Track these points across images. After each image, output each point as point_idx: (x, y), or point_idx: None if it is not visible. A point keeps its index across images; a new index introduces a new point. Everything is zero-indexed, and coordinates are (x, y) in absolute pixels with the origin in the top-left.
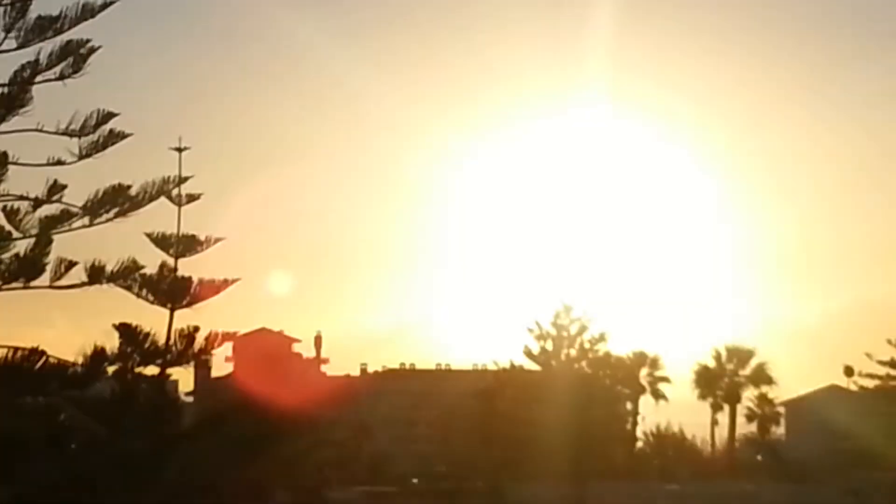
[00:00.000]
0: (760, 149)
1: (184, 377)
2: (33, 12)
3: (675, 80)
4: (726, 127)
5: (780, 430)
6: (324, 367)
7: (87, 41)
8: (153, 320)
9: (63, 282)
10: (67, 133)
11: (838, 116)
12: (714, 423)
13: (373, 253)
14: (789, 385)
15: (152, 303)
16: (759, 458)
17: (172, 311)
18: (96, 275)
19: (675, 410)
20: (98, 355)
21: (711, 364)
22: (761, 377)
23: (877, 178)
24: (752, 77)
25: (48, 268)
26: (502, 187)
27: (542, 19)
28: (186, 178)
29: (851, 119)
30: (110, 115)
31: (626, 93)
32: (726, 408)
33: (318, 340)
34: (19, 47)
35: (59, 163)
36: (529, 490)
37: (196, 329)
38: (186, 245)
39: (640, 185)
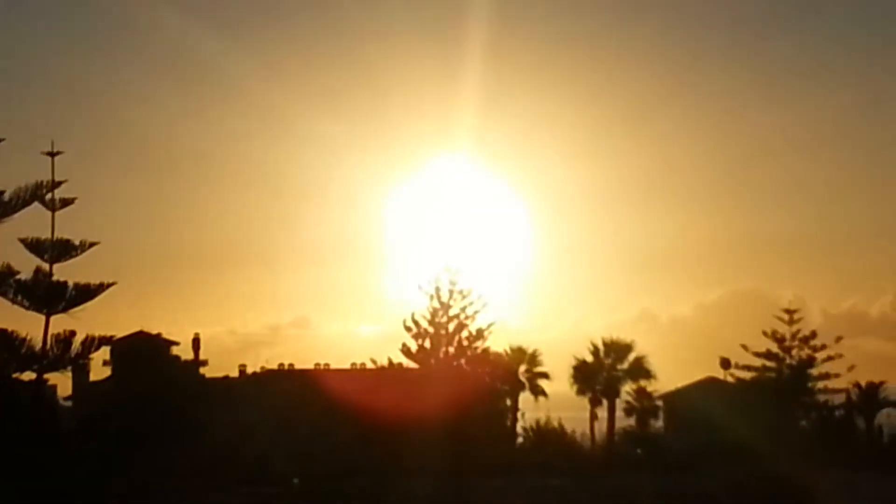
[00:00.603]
0: (636, 149)
1: (62, 382)
2: None
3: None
4: (607, 127)
5: (658, 423)
6: (202, 369)
7: None
8: (29, 326)
9: None
10: None
11: (708, 118)
12: (593, 417)
13: (250, 253)
14: (667, 378)
15: (28, 308)
16: (638, 451)
17: (48, 316)
18: None
19: (555, 405)
20: None
21: (589, 358)
22: (639, 371)
23: (748, 176)
24: (627, 77)
25: None
26: (378, 185)
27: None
28: (60, 183)
29: (721, 120)
30: None
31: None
32: (605, 402)
33: (196, 342)
34: None
35: None
36: (410, 487)
37: (72, 333)
38: (61, 250)
39: (518, 179)
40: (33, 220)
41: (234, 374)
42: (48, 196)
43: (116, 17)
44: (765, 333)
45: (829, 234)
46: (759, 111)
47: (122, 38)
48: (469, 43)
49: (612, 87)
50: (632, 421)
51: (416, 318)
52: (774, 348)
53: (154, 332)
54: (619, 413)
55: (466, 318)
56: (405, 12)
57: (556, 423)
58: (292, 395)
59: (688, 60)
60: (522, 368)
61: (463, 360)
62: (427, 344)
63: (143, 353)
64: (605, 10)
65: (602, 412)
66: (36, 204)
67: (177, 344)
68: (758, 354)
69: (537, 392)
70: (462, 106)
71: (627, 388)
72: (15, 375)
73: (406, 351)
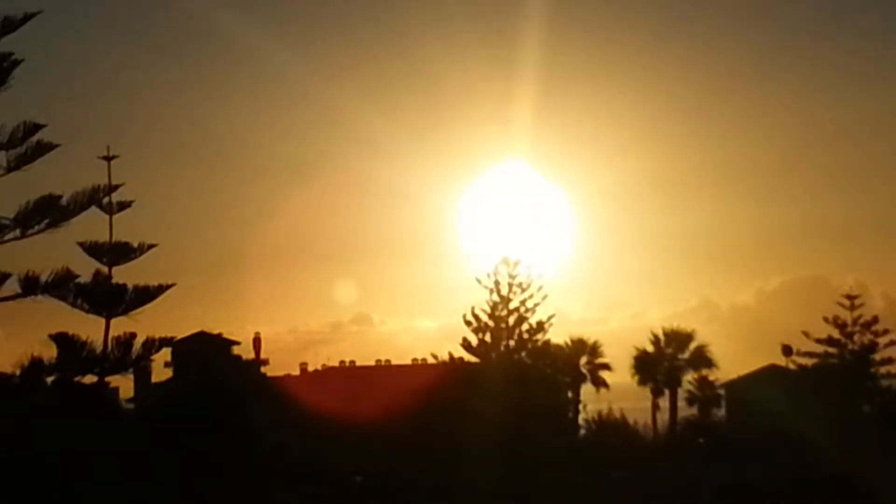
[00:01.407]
0: (694, 140)
1: (124, 384)
2: None
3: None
4: (664, 118)
5: (721, 413)
6: (263, 369)
7: (10, 54)
8: (90, 329)
9: None
10: None
11: (766, 106)
12: (655, 407)
13: (309, 252)
14: (729, 367)
15: (88, 311)
16: (701, 441)
17: (108, 319)
18: (31, 286)
19: (616, 396)
20: (35, 366)
21: (650, 349)
22: (700, 360)
23: (808, 163)
24: (682, 69)
25: None
26: (437, 183)
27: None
28: (116, 187)
29: (779, 108)
30: (37, 127)
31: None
32: (667, 392)
33: (256, 342)
34: None
35: None
36: (473, 482)
37: (133, 336)
38: (119, 253)
39: (576, 174)
40: (92, 224)
41: (296, 372)
42: (105, 200)
43: (172, 18)
44: (826, 320)
45: (890, 219)
46: (818, 98)
47: (180, 39)
48: (524, 43)
49: (667, 79)
50: (694, 410)
51: (476, 312)
52: (836, 334)
53: (215, 332)
54: (680, 403)
55: (526, 311)
56: (462, 11)
57: (618, 415)
58: (354, 392)
59: (744, 50)
60: (583, 360)
61: (524, 354)
62: (487, 338)
63: (203, 353)
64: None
65: (664, 402)
66: (94, 208)
67: (238, 343)
68: (819, 341)
69: (599, 383)
70: (519, 105)
71: (689, 378)
72: (77, 378)
73: (466, 345)
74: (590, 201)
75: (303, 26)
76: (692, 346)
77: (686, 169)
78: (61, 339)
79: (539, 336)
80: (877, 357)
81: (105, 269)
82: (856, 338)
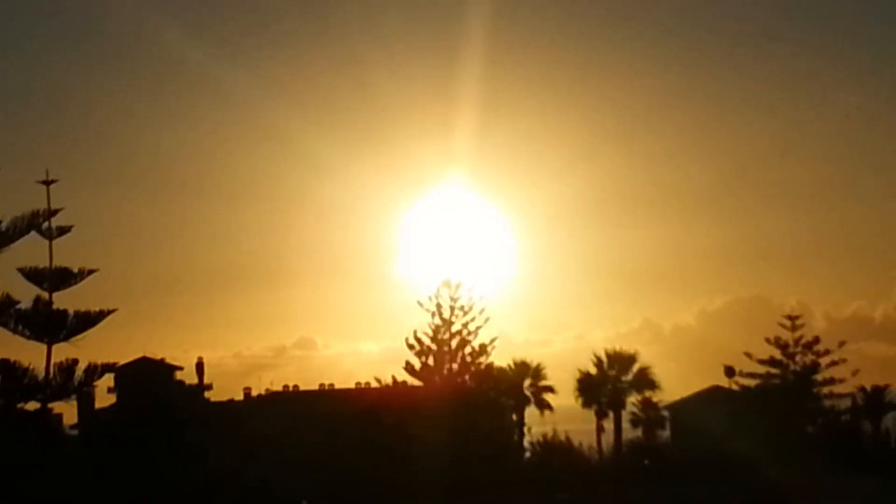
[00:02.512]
0: (634, 160)
1: (67, 410)
2: None
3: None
4: (604, 140)
5: (665, 434)
6: (207, 394)
7: None
8: (31, 355)
9: None
10: None
11: (706, 126)
12: (600, 429)
13: (253, 275)
14: (672, 388)
15: (29, 338)
16: (646, 462)
17: (50, 345)
18: None
19: (561, 419)
20: None
21: (593, 371)
22: (644, 381)
23: (747, 183)
24: (621, 89)
25: None
26: (379, 205)
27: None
28: (56, 211)
29: (719, 128)
30: None
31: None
32: (611, 414)
33: (199, 367)
34: None
35: None
36: None
37: (75, 362)
38: (60, 278)
39: (516, 195)
40: (31, 249)
41: (239, 397)
42: (45, 225)
43: (112, 37)
44: (768, 340)
45: (831, 239)
46: (757, 118)
47: (118, 59)
48: (465, 63)
49: (606, 99)
50: (638, 432)
51: (419, 335)
52: (778, 355)
53: (157, 357)
54: (625, 425)
55: (469, 333)
56: (404, 33)
57: (562, 437)
58: (297, 416)
59: (682, 70)
60: (527, 383)
61: (467, 376)
62: (430, 361)
63: (146, 379)
64: (597, 24)
65: (608, 424)
66: (33, 233)
67: (181, 369)
68: (762, 362)
69: (543, 406)
70: (459, 126)
71: (633, 400)
72: (19, 406)
73: (410, 369)
74: (531, 223)
75: (246, 44)
76: (635, 367)
77: (627, 190)
78: (3, 366)
79: (482, 359)
80: (819, 377)
81: (46, 294)
82: (798, 358)
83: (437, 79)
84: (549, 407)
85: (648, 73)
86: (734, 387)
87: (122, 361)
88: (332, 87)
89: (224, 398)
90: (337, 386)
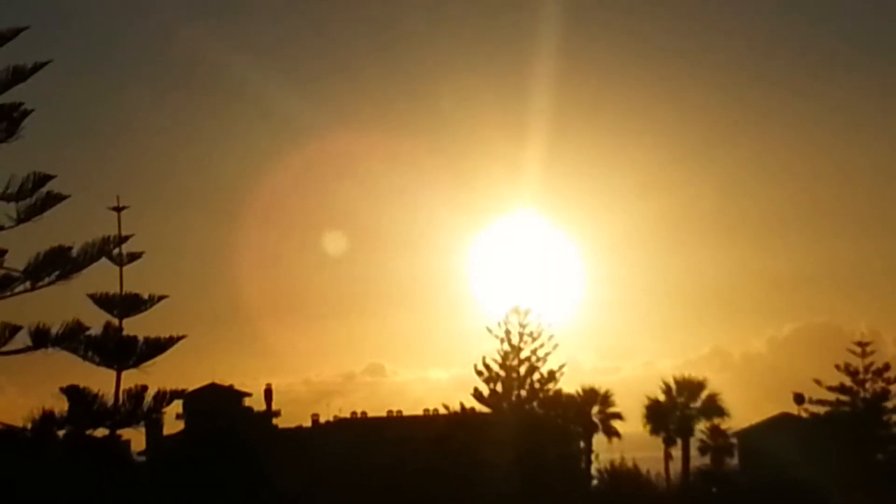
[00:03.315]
0: (702, 185)
1: (135, 437)
2: None
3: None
4: (672, 164)
5: (734, 462)
6: (275, 420)
7: (20, 104)
8: (101, 381)
9: (8, 347)
10: (4, 197)
11: (776, 150)
12: (668, 457)
13: (321, 302)
14: (741, 415)
15: (99, 364)
16: (714, 490)
17: (119, 371)
18: (41, 338)
19: (629, 446)
20: (47, 419)
21: (662, 398)
22: (712, 409)
23: (818, 208)
24: (689, 112)
25: None
26: (448, 233)
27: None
28: (127, 237)
29: (789, 152)
30: (47, 178)
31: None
32: (679, 441)
33: (268, 393)
34: None
35: None
36: None
37: (144, 388)
38: (130, 304)
39: (584, 222)
40: (102, 275)
41: (307, 423)
42: (115, 251)
43: (179, 62)
44: (837, 367)
45: None
46: (829, 142)
47: (187, 85)
48: (534, 88)
49: (676, 123)
50: (706, 459)
51: (488, 361)
52: (848, 382)
53: (226, 384)
54: (693, 452)
55: (537, 360)
56: (473, 60)
57: (630, 464)
58: (364, 442)
59: (754, 92)
60: (595, 409)
61: (535, 403)
62: (499, 388)
63: (215, 405)
64: (668, 49)
65: (676, 451)
66: (104, 259)
67: (249, 395)
68: (831, 388)
69: (611, 433)
70: (528, 151)
71: (701, 427)
72: (89, 432)
73: (478, 395)
74: (599, 249)
75: (315, 72)
76: (704, 394)
77: (695, 216)
78: (72, 392)
79: (550, 385)
80: (889, 405)
81: (115, 320)
82: (868, 385)
83: (506, 105)
84: (618, 434)
85: (721, 97)
86: (804, 414)
87: (191, 388)
88: (402, 115)
89: (292, 425)
90: (405, 412)
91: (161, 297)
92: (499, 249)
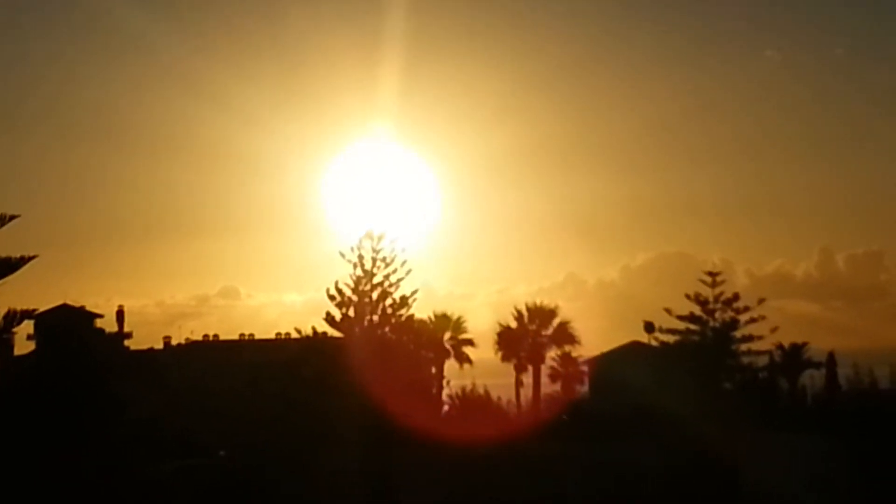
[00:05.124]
0: (559, 114)
1: None
2: None
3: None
4: (529, 92)
5: (584, 389)
6: (127, 342)
7: None
8: None
9: None
10: None
11: (631, 80)
12: (519, 383)
13: (177, 224)
14: (593, 343)
15: None
16: (564, 417)
17: None
18: None
19: (480, 372)
20: None
21: (514, 325)
22: (564, 336)
23: (673, 138)
24: (544, 41)
25: None
26: (303, 156)
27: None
28: None
29: (643, 82)
30: None
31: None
32: (531, 368)
33: (120, 315)
34: None
35: None
36: (336, 458)
37: None
38: None
39: (440, 148)
40: None
41: (159, 345)
42: None
43: None
44: (688, 296)
45: (754, 196)
46: (682, 73)
47: (47, 6)
48: (390, 13)
49: (531, 52)
50: (557, 387)
51: (340, 286)
52: (698, 311)
53: (78, 305)
54: (544, 379)
55: (390, 285)
56: None
57: (481, 390)
58: (217, 366)
59: (606, 23)
60: (447, 336)
61: (387, 329)
62: (351, 312)
63: (67, 326)
64: None
65: (527, 378)
66: None
67: (101, 316)
68: (681, 318)
69: (462, 359)
70: (383, 76)
71: (552, 354)
72: None
73: (330, 320)
74: (455, 175)
75: None
76: (555, 322)
77: (553, 144)
78: None
79: (403, 311)
80: (738, 334)
81: None
82: (717, 315)
83: (360, 29)
84: (469, 360)
85: (572, 26)
86: (654, 342)
87: (42, 308)
88: (255, 38)
89: (144, 347)
90: (258, 336)
91: (12, 217)
92: (354, 173)
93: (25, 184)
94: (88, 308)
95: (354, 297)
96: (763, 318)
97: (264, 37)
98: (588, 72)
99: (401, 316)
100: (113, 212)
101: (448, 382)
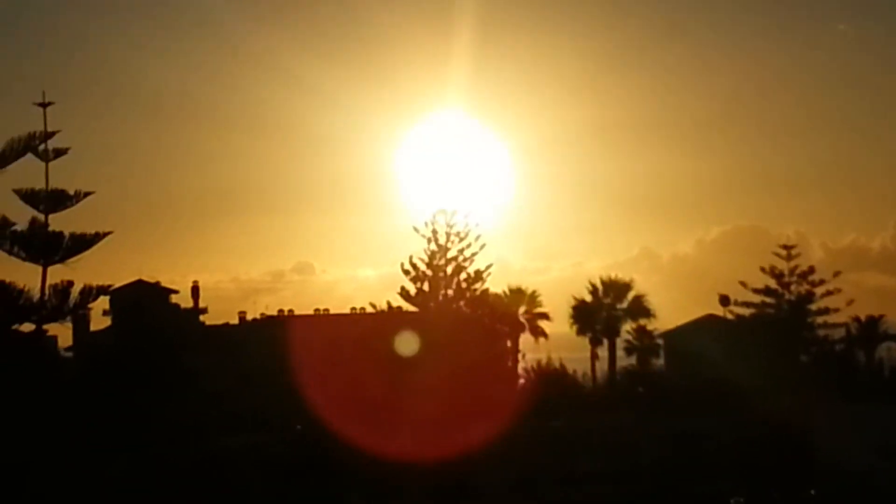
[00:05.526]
0: (635, 89)
1: (62, 333)
2: None
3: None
4: (607, 67)
5: (659, 362)
6: (202, 317)
7: None
8: (27, 277)
9: None
10: None
11: (707, 56)
12: (594, 357)
13: (252, 200)
14: (668, 317)
15: (24, 259)
16: (640, 390)
17: (45, 266)
18: None
19: (556, 346)
20: None
21: (588, 298)
22: (639, 310)
23: (747, 114)
24: (625, 15)
25: None
26: (377, 133)
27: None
28: (53, 133)
29: (720, 58)
30: None
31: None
32: (605, 342)
33: (195, 290)
34: None
35: None
36: (412, 432)
37: (70, 284)
38: (56, 200)
39: (517, 124)
40: (28, 172)
41: (234, 321)
42: (41, 147)
43: None
44: (763, 270)
45: (829, 170)
46: (758, 49)
47: None
48: None
49: (608, 28)
50: (633, 360)
51: (414, 261)
52: (773, 284)
53: (153, 280)
54: (619, 352)
55: (464, 260)
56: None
57: (557, 364)
58: (291, 341)
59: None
60: (522, 310)
61: (462, 303)
62: (426, 287)
63: (142, 301)
64: None
65: (602, 352)
66: (30, 155)
67: (176, 292)
68: (757, 291)
69: (537, 333)
70: (457, 53)
71: (627, 327)
72: (15, 327)
73: (405, 294)
74: (529, 151)
75: None
76: (630, 295)
77: (628, 119)
78: None
79: (477, 285)
80: (813, 307)
81: (41, 216)
82: (793, 288)
83: (433, 4)
84: (544, 334)
85: (647, 2)
86: (729, 316)
87: (118, 284)
88: (329, 16)
89: (219, 322)
90: (332, 311)
91: (87, 193)
92: (427, 149)
93: (100, 160)
94: (164, 284)
95: (429, 272)
96: (839, 290)
97: (338, 14)
98: (662, 47)
99: (475, 290)
100: (189, 189)
101: (523, 356)
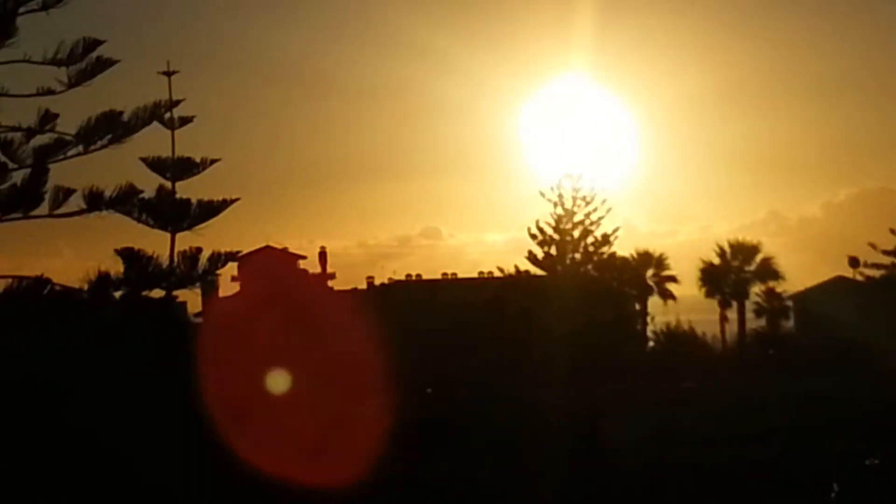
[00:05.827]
0: (760, 50)
1: (192, 299)
2: None
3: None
4: (728, 30)
5: (789, 324)
6: (330, 283)
7: None
8: (155, 244)
9: (62, 210)
10: (55, 62)
11: (833, 14)
12: (723, 319)
13: (375, 167)
14: (796, 279)
15: (153, 227)
16: (770, 352)
17: (173, 233)
18: (95, 201)
19: (684, 309)
20: (103, 280)
21: (716, 261)
22: (767, 272)
23: (875, 74)
24: None
25: (46, 197)
26: (502, 98)
27: None
28: (178, 102)
29: (846, 16)
30: (96, 43)
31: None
32: (734, 304)
33: (322, 256)
34: None
35: (49, 92)
36: (541, 394)
37: (198, 250)
38: (182, 168)
39: (640, 88)
40: (154, 140)
41: (363, 286)
42: (167, 115)
43: None
44: (893, 231)
45: None
46: (884, 9)
47: None
48: None
49: None
50: (762, 322)
51: (541, 225)
52: None
53: (281, 246)
54: (748, 315)
55: (591, 224)
56: None
57: (685, 327)
58: (420, 305)
59: None
60: (650, 273)
61: (590, 266)
62: (553, 251)
63: (270, 267)
64: None
65: (732, 314)
66: (155, 123)
67: (304, 258)
68: (886, 252)
69: (666, 296)
70: (580, 16)
71: (756, 290)
72: (145, 293)
73: (532, 258)
74: (654, 114)
75: None
76: (759, 257)
77: (752, 81)
78: (127, 254)
79: (605, 249)
80: None
81: (168, 184)
82: None
83: None
84: (673, 297)
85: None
86: (859, 277)
87: (246, 250)
88: None
89: (347, 287)
90: (460, 275)
91: (213, 161)
92: (551, 114)
93: (227, 128)
94: (291, 249)
95: (556, 236)
96: None
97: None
98: (790, 8)
99: (602, 254)
100: (314, 155)
101: (652, 319)
